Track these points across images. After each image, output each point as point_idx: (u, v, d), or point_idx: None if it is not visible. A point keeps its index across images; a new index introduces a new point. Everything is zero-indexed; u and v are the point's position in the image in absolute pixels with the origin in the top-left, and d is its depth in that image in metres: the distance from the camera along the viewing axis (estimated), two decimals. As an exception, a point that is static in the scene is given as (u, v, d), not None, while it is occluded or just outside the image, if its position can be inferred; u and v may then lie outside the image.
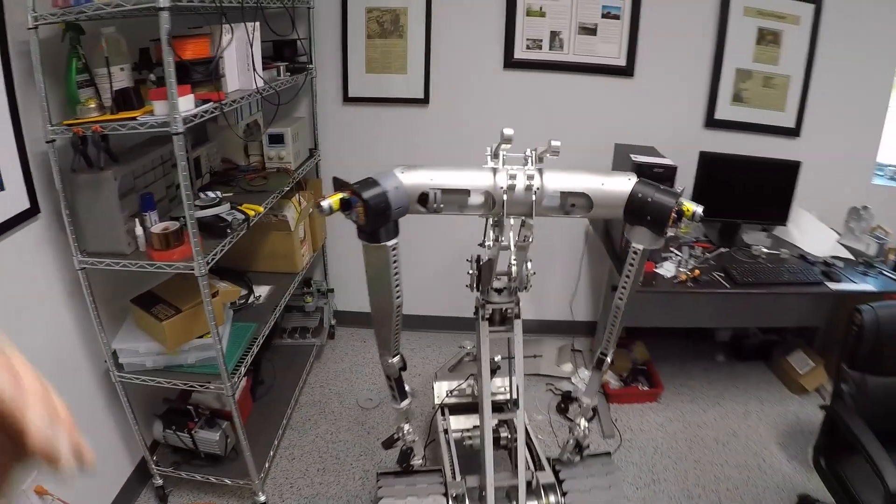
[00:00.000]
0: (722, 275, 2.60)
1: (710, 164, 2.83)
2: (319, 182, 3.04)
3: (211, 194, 2.21)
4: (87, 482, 2.01)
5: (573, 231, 3.31)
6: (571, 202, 1.49)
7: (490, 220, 1.62)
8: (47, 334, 1.93)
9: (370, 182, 1.34)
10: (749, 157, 2.85)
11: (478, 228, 1.65)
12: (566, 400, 2.94)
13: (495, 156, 1.47)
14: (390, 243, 1.42)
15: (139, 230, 1.88)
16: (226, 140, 2.60)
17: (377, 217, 1.34)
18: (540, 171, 1.45)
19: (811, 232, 2.90)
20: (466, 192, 1.43)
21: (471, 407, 2.49)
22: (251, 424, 2.52)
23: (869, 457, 1.73)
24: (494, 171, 1.44)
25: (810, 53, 2.96)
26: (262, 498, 2.31)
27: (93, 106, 1.72)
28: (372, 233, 1.38)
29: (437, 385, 2.48)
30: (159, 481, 2.36)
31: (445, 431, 2.27)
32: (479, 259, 1.80)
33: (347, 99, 3.00)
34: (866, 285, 2.57)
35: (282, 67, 2.44)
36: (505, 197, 1.42)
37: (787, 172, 2.83)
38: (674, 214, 1.43)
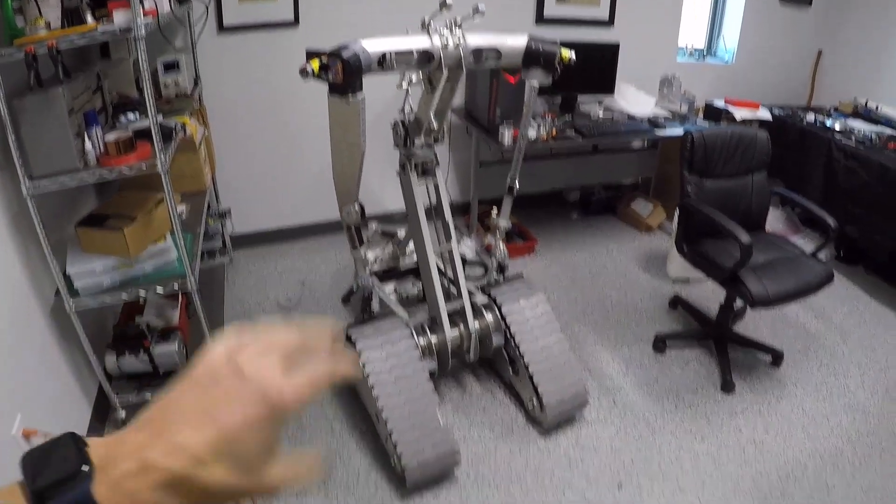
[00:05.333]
0: (573, 132, 3.48)
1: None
2: (205, 108, 3.34)
3: (131, 115, 2.52)
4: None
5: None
6: (486, 55, 2.13)
7: (409, 89, 2.21)
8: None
9: (344, 47, 1.84)
10: (579, 42, 3.68)
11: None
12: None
13: (427, 25, 2.05)
14: (360, 96, 1.93)
15: (88, 145, 2.15)
16: (115, 77, 2.84)
17: (353, 74, 1.85)
18: (463, 34, 2.06)
19: (633, 98, 3.87)
20: (412, 53, 1.99)
21: (392, 273, 3.09)
22: (192, 340, 2.86)
23: (719, 223, 2.61)
24: (431, 35, 2.02)
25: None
26: (228, 397, 2.68)
27: (41, 25, 1.97)
28: (346, 89, 1.89)
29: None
30: (122, 413, 2.54)
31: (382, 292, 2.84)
32: (403, 122, 2.37)
33: (223, 29, 3.32)
34: (686, 129, 3.57)
35: (172, -1, 2.75)
36: (442, 53, 2.01)
37: (609, 52, 3.78)
38: (558, 57, 2.13)
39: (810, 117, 4.19)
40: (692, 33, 4.69)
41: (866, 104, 4.37)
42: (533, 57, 2.15)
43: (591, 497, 2.33)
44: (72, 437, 0.43)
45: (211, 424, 0.44)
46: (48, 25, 1.99)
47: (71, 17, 2.02)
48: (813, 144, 3.97)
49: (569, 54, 2.16)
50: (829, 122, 4.08)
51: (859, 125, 4.08)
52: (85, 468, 0.41)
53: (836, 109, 4.53)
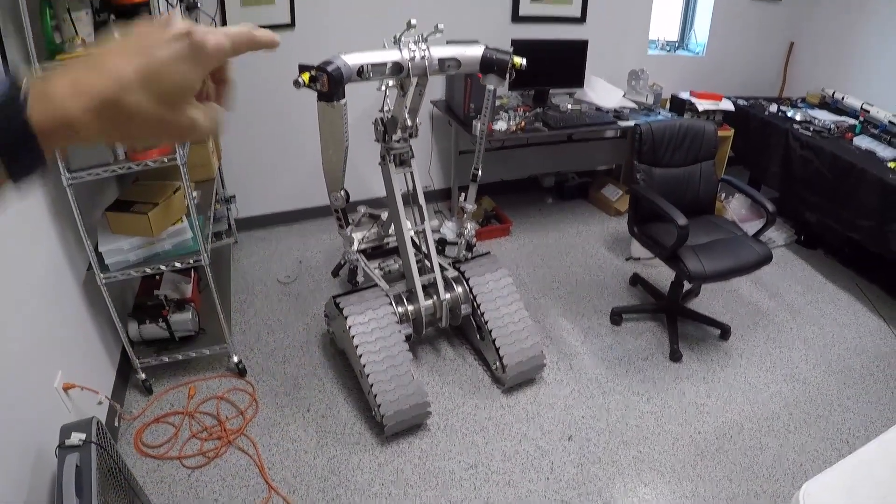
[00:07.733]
0: (540, 124, 3.96)
1: (521, 47, 4.04)
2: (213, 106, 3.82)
3: (150, 114, 3.01)
4: (81, 395, 2.48)
5: (421, 115, 4.42)
6: (448, 64, 2.60)
7: (388, 92, 2.69)
8: (38, 255, 2.41)
9: (328, 62, 2.32)
10: (549, 40, 4.17)
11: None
12: (442, 244, 4.14)
13: (398, 40, 2.52)
14: (343, 101, 2.41)
15: (117, 142, 2.66)
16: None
17: (336, 84, 2.32)
18: (428, 47, 2.53)
19: (602, 91, 4.32)
20: (385, 65, 2.47)
21: (378, 251, 3.58)
22: (203, 311, 3.35)
23: (661, 208, 3.05)
24: (401, 49, 2.50)
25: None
26: (236, 359, 3.12)
27: (79, 42, 2.46)
28: (331, 96, 2.37)
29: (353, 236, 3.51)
30: (142, 375, 2.97)
31: (366, 266, 3.34)
32: (382, 120, 2.86)
33: (225, 31, 3.80)
34: (639, 120, 4.02)
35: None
36: (410, 64, 2.49)
37: (578, 48, 4.23)
38: (510, 64, 2.61)
39: (773, 108, 4.60)
40: (666, 26, 5.10)
41: (833, 95, 4.71)
42: (488, 64, 2.62)
43: (543, 446, 2.77)
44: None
45: (140, 56, 0.49)
46: (84, 42, 2.47)
47: (101, 31, 2.50)
48: (773, 134, 4.35)
49: (520, 61, 2.62)
50: (790, 113, 4.47)
51: (822, 115, 4.44)
52: (22, 90, 0.45)
53: (803, 100, 4.93)
